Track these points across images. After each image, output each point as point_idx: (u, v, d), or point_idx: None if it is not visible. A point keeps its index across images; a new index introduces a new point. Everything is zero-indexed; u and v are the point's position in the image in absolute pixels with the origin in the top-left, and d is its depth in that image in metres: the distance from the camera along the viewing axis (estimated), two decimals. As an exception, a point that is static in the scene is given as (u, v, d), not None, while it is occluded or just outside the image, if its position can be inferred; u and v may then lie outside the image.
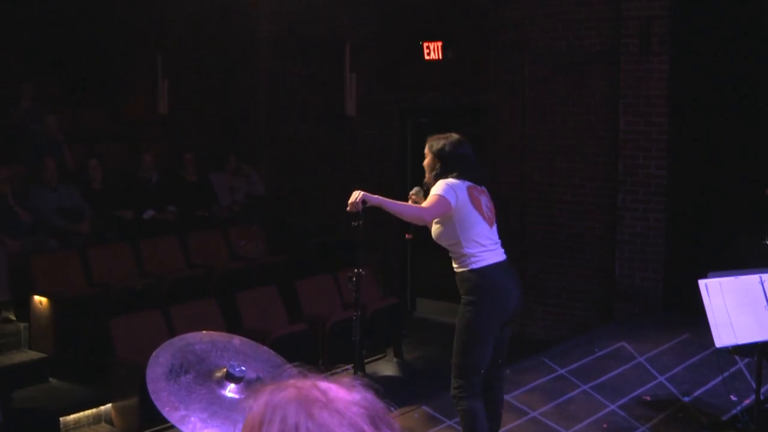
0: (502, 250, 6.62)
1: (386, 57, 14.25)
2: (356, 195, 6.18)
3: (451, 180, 6.49)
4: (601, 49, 11.84)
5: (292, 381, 1.80)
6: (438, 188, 6.45)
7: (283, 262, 12.70)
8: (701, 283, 6.64)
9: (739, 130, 10.89)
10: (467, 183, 6.53)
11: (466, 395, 6.44)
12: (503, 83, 12.81)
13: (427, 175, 6.71)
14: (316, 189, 15.01)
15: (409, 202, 6.74)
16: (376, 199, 6.24)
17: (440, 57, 13.45)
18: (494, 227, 6.61)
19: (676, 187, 11.33)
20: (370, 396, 1.80)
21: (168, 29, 16.38)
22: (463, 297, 6.49)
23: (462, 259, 6.47)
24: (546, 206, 12.49)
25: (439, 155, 6.64)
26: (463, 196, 6.43)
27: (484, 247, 6.44)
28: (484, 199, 6.61)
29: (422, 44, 13.56)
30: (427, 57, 13.57)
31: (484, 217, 6.50)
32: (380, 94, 14.33)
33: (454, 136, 6.70)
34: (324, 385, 1.78)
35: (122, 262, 11.67)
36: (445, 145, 6.63)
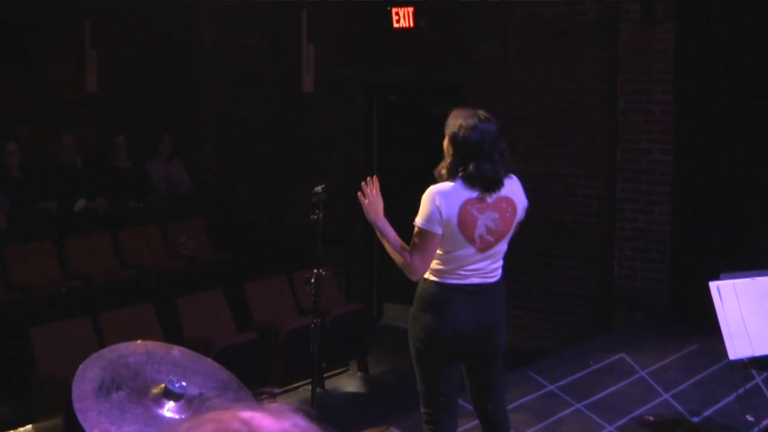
0: (492, 278, 6.12)
1: (349, 25, 14.19)
2: (372, 203, 5.94)
3: (441, 188, 5.91)
4: (597, 16, 11.83)
5: (209, 414, 1.81)
6: (419, 214, 5.91)
7: (230, 261, 12.71)
8: (712, 285, 6.64)
9: (754, 110, 10.89)
10: (470, 193, 5.90)
11: (431, 428, 6.17)
12: (484, 56, 12.79)
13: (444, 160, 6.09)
14: (268, 177, 14.94)
15: None
16: (383, 224, 6.02)
17: (411, 25, 13.39)
18: (490, 252, 6.03)
19: (684, 175, 11.34)
20: (300, 421, 1.81)
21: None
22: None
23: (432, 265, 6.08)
24: (533, 198, 12.36)
25: (452, 140, 5.98)
26: (450, 213, 5.84)
27: (458, 270, 6.02)
28: (487, 218, 5.94)
29: (391, 10, 13.50)
30: (396, 25, 13.50)
31: (474, 243, 5.92)
32: (342, 68, 14.26)
33: (480, 113, 6.01)
34: (247, 415, 1.81)
35: (44, 262, 11.63)
36: (462, 126, 5.94)
